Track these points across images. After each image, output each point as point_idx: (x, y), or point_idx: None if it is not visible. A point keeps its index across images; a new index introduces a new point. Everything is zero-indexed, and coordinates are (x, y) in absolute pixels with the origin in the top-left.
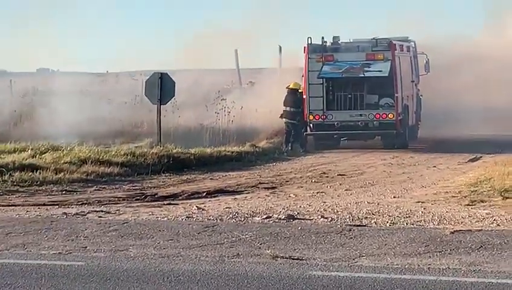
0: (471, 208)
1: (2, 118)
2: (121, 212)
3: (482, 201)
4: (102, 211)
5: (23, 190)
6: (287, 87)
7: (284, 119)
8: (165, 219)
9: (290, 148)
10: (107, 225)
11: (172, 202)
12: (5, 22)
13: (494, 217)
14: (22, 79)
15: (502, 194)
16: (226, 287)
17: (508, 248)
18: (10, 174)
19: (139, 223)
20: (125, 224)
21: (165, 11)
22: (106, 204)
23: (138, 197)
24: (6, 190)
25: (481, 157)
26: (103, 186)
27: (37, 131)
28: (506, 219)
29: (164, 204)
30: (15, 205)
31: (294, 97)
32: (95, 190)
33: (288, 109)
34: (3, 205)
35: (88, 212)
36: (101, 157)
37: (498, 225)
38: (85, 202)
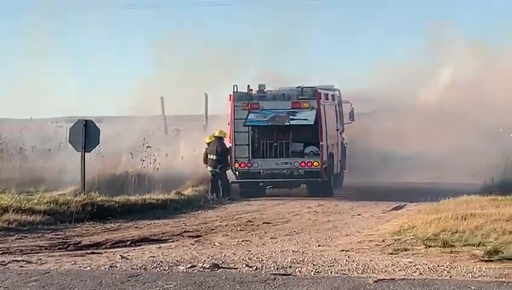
0: (395, 257)
1: None
2: (43, 262)
3: (405, 249)
4: (23, 261)
5: None
6: (212, 135)
7: (208, 167)
8: (88, 268)
9: (215, 196)
10: (28, 275)
11: (95, 251)
12: None
13: (417, 266)
14: None
15: (425, 242)
16: None
17: None
18: None
19: (61, 273)
20: (47, 274)
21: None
22: (28, 253)
23: (61, 246)
24: None
25: (405, 205)
26: (25, 235)
27: None
28: (428, 268)
29: (87, 253)
30: None
31: (219, 145)
32: (17, 238)
33: (212, 157)
34: None
35: (9, 262)
36: (23, 205)
37: (421, 273)
38: (6, 251)
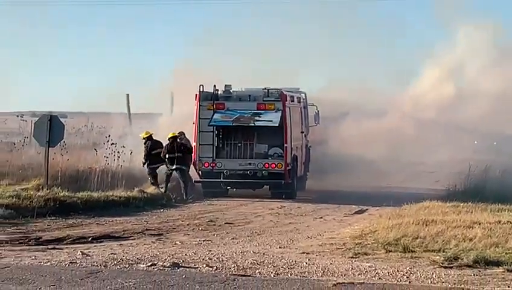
0: (355, 261)
1: None
2: (3, 256)
3: (366, 254)
4: None
5: None
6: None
7: (168, 165)
8: (48, 263)
9: (164, 190)
10: None
11: (56, 247)
12: None
13: (377, 271)
14: None
15: (385, 247)
16: None
17: None
18: None
19: (21, 268)
20: (7, 268)
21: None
22: None
23: (22, 241)
24: None
25: (367, 209)
26: None
27: None
28: (388, 273)
29: (48, 248)
30: None
31: (178, 144)
32: None
33: (173, 155)
34: None
35: None
36: None
37: (380, 278)
38: None
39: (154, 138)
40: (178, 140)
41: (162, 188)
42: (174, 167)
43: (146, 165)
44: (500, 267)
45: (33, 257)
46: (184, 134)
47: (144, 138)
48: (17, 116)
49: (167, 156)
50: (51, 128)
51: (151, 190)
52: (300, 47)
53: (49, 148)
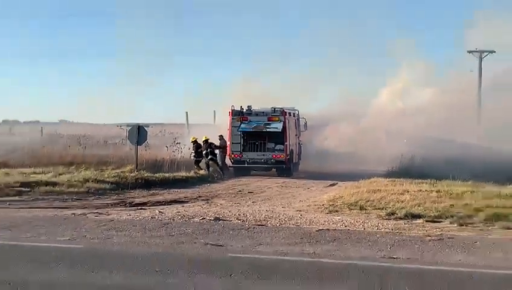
0: (330, 215)
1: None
2: (109, 214)
3: (336, 211)
4: (97, 213)
5: (47, 198)
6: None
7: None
8: (137, 218)
9: (221, 174)
10: (100, 222)
11: (142, 208)
12: None
13: (344, 222)
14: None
15: (349, 207)
16: (175, 263)
17: (351, 241)
18: (39, 187)
19: (121, 221)
20: (112, 221)
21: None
22: (100, 208)
23: (121, 204)
24: (35, 198)
25: (337, 183)
26: (99, 196)
27: (54, 160)
28: (351, 223)
29: (137, 209)
30: (40, 208)
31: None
32: (94, 199)
33: (206, 151)
34: (33, 208)
35: (88, 213)
36: (98, 177)
37: (346, 226)
38: (87, 206)
39: (198, 141)
40: (219, 139)
41: (204, 171)
42: (208, 158)
43: (193, 156)
44: (421, 219)
45: (128, 214)
46: (223, 136)
47: (192, 141)
48: (117, 126)
49: (204, 152)
50: (139, 133)
51: (201, 172)
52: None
53: (138, 146)
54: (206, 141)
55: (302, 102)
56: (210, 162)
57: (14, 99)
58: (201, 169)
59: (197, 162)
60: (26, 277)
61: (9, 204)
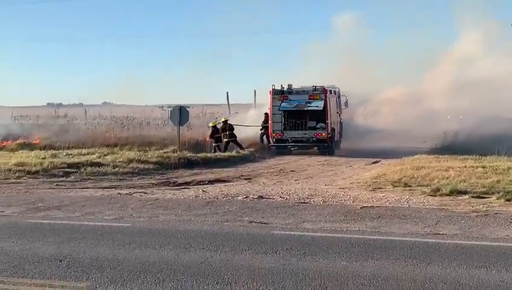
0: (373, 193)
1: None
2: (154, 193)
3: (380, 188)
4: (142, 192)
5: (93, 179)
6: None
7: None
8: (182, 197)
9: (223, 151)
10: (145, 201)
11: (186, 187)
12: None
13: (387, 198)
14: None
15: (392, 184)
16: (220, 241)
17: (396, 217)
18: (85, 168)
19: (165, 200)
20: (157, 201)
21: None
22: (145, 188)
23: (165, 184)
24: (82, 178)
25: (380, 161)
26: (143, 176)
27: (99, 142)
28: (394, 200)
29: (181, 188)
30: (87, 188)
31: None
32: (138, 179)
33: (225, 133)
34: (80, 188)
35: (134, 193)
36: (142, 158)
37: (389, 203)
38: (132, 186)
39: (217, 126)
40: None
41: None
42: (226, 139)
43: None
44: (467, 195)
45: (172, 193)
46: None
47: (211, 126)
48: (159, 107)
49: (222, 133)
50: (181, 114)
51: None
52: None
53: (180, 127)
54: (225, 121)
55: (344, 80)
56: (232, 142)
57: (58, 82)
58: (220, 151)
59: (217, 147)
60: (76, 254)
61: (56, 185)
